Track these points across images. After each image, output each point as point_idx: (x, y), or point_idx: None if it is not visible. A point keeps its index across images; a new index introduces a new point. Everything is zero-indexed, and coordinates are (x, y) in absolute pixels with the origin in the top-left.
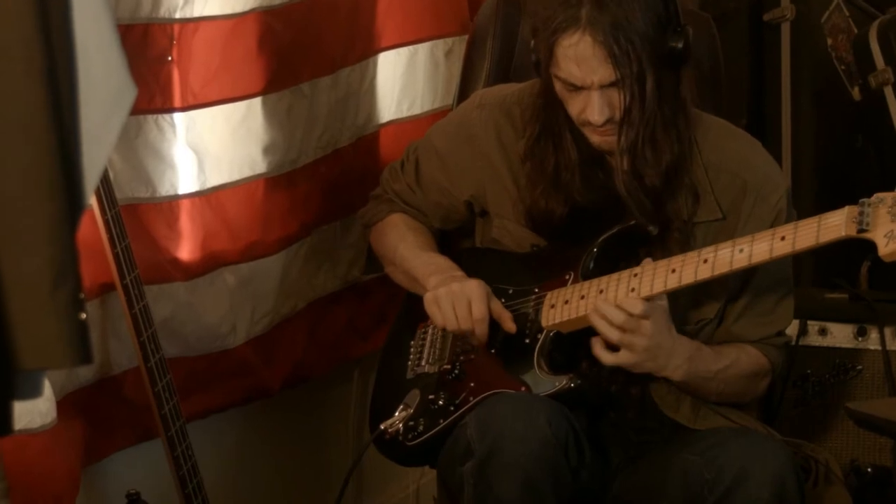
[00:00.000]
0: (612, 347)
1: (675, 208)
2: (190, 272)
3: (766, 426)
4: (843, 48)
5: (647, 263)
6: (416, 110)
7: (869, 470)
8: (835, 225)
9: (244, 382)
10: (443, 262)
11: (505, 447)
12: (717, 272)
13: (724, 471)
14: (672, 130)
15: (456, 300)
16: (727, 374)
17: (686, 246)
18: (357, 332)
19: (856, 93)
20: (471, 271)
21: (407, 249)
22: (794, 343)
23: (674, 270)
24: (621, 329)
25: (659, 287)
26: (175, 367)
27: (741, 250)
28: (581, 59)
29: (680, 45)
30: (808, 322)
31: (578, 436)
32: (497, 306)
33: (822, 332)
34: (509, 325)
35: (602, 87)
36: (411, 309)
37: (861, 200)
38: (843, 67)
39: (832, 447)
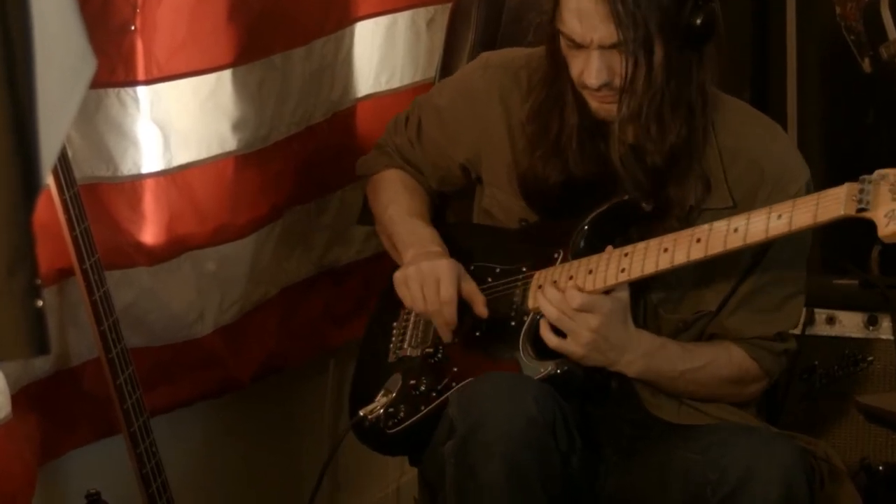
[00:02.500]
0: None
1: (680, 195)
2: (154, 257)
3: (760, 420)
4: (852, 17)
5: (639, 244)
6: (396, 83)
7: (880, 468)
8: (833, 203)
9: (212, 374)
10: (426, 234)
11: (488, 424)
12: (710, 252)
13: (729, 471)
14: (680, 111)
15: (424, 280)
16: (698, 375)
17: None
18: (333, 320)
19: (866, 65)
20: (459, 247)
21: (396, 213)
22: (799, 333)
23: (666, 250)
24: (563, 315)
25: (650, 268)
26: (138, 358)
27: (736, 229)
28: (583, 15)
29: (699, 22)
30: (816, 310)
31: (568, 420)
32: (469, 287)
33: (830, 320)
34: (480, 309)
35: (602, 47)
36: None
37: (861, 177)
38: (852, 38)
39: (841, 444)
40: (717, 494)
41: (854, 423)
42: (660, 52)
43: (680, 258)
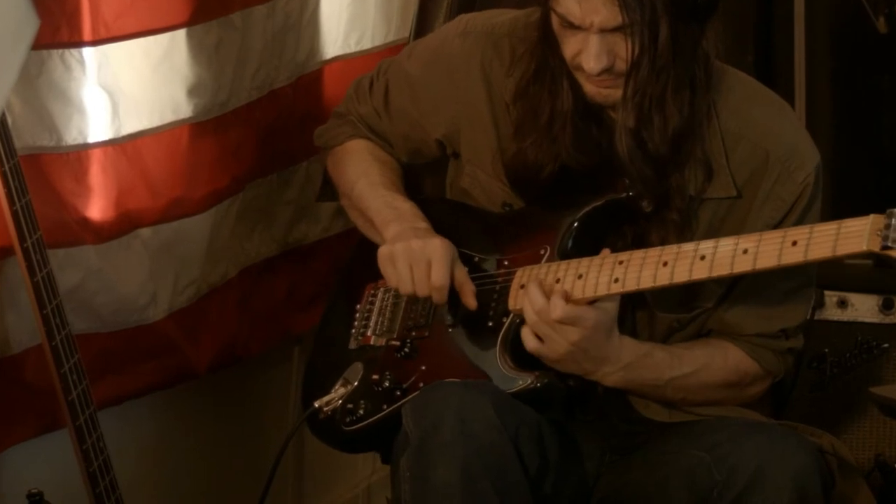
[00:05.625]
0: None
1: (680, 182)
2: (102, 234)
3: (762, 412)
4: None
5: (636, 251)
6: (367, 44)
7: None
8: (855, 236)
9: (166, 363)
10: (406, 208)
11: (442, 427)
12: (714, 273)
13: (738, 471)
14: (684, 91)
15: (414, 260)
16: (688, 381)
17: (685, 228)
18: (297, 304)
19: (881, 24)
20: (434, 227)
21: (367, 187)
22: (808, 317)
23: (665, 264)
24: (542, 322)
25: (647, 282)
26: (84, 345)
27: (745, 251)
28: None
29: None
30: (826, 293)
31: (539, 437)
32: (461, 274)
33: (842, 303)
34: (469, 300)
35: (603, 30)
36: (360, 263)
37: (889, 211)
38: None
39: (853, 438)
40: (725, 497)
41: (868, 416)
42: (665, 32)
43: (681, 276)
